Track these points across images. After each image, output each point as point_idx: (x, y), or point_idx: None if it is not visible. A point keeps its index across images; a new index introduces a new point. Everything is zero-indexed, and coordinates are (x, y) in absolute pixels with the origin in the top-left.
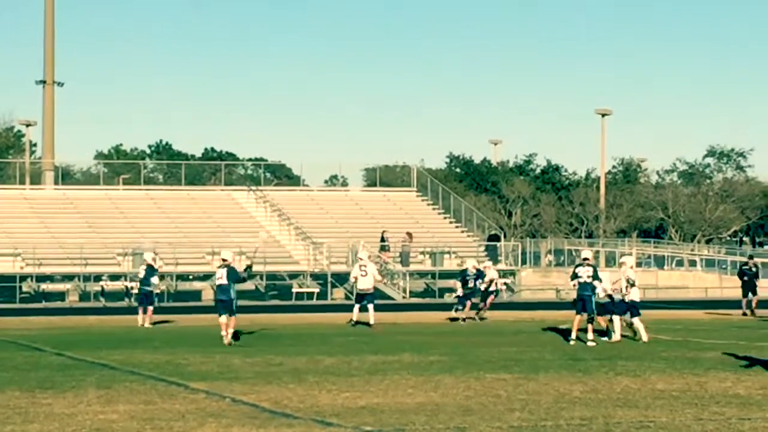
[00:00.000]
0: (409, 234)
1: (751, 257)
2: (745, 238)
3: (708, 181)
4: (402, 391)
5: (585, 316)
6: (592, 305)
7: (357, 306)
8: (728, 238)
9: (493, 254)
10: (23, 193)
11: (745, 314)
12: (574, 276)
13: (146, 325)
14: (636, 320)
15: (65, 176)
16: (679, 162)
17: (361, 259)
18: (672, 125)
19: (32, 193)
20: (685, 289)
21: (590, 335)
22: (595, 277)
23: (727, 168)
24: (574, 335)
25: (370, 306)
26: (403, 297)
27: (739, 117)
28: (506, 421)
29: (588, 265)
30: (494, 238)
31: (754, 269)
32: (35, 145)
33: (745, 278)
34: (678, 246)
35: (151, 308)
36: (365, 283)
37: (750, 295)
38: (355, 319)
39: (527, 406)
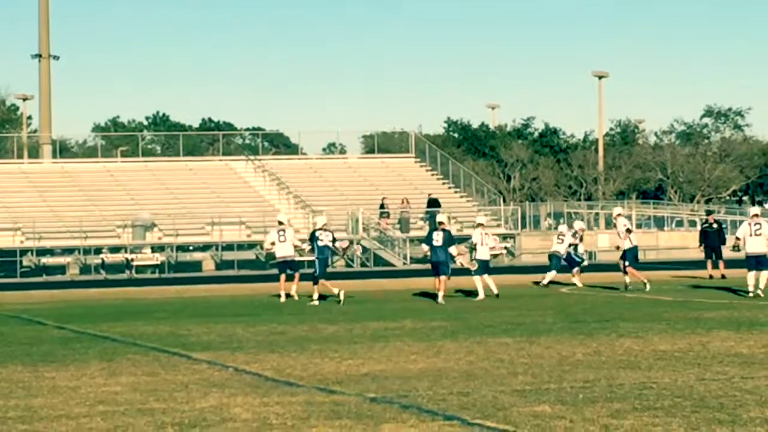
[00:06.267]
0: (406, 200)
1: (709, 213)
2: (744, 198)
3: (706, 141)
4: (404, 358)
5: (443, 278)
6: (447, 268)
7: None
8: (727, 197)
9: (432, 220)
10: (21, 167)
11: (711, 277)
12: (429, 240)
13: None
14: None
15: (63, 150)
16: (676, 123)
17: (280, 223)
18: (669, 86)
19: (30, 167)
20: (686, 249)
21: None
22: (449, 241)
23: (725, 127)
24: (442, 296)
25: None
26: (404, 263)
27: (736, 76)
28: (509, 385)
29: (442, 230)
30: (434, 203)
31: (715, 226)
32: (31, 118)
33: (706, 238)
34: (677, 206)
35: None
36: (284, 251)
37: (714, 256)
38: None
39: (530, 370)
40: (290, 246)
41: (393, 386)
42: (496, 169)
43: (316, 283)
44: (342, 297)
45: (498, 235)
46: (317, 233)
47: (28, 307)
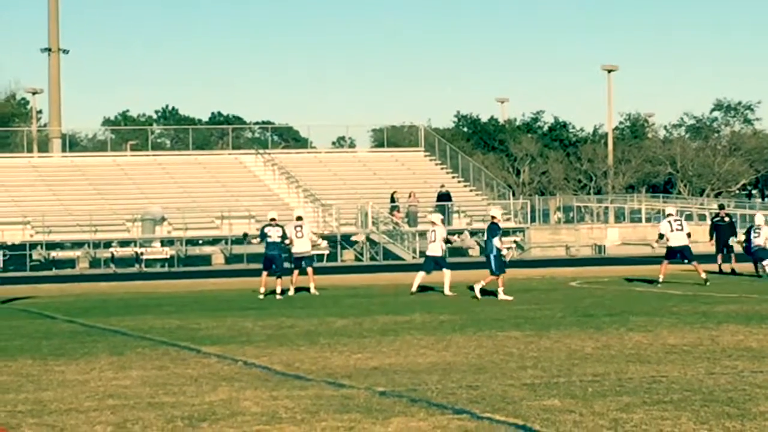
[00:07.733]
0: (413, 194)
1: (721, 207)
2: (754, 191)
3: (716, 134)
4: (414, 351)
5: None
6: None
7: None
8: (737, 191)
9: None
10: (31, 161)
11: (721, 271)
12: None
13: None
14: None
15: (72, 143)
16: (686, 116)
17: (299, 219)
18: (679, 79)
19: (40, 161)
20: (695, 243)
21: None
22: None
23: (734, 121)
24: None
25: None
26: (413, 257)
27: (745, 70)
28: (519, 379)
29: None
30: (444, 196)
31: (726, 220)
32: (41, 112)
33: (718, 232)
34: (687, 200)
35: None
36: (301, 246)
37: (725, 250)
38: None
39: (539, 363)
40: (307, 242)
41: (402, 380)
42: (506, 163)
43: (279, 276)
44: (265, 296)
45: (508, 229)
46: (266, 229)
47: (38, 301)
